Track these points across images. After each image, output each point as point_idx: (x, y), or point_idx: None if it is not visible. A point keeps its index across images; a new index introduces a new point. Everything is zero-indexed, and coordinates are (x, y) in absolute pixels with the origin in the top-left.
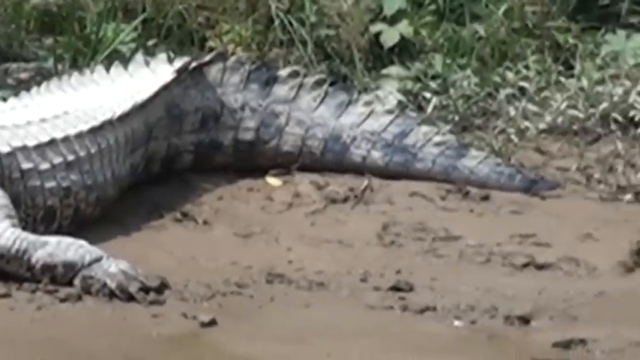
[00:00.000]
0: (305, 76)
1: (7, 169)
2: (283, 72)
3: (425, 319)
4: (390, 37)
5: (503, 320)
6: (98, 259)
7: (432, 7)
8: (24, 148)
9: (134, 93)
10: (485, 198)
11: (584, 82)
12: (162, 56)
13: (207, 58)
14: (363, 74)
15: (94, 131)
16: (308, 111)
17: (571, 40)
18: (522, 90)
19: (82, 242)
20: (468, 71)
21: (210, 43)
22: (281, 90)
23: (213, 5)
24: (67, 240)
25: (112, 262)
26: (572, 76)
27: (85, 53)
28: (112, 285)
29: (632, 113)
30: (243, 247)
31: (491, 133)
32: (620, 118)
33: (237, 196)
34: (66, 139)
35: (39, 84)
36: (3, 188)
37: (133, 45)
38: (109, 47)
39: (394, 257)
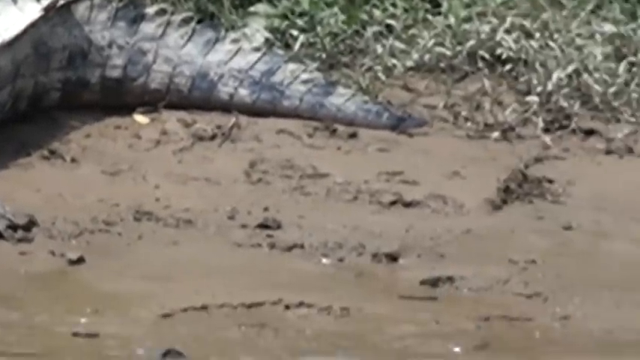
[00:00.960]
0: (172, 13)
1: None
2: (150, 10)
3: (292, 256)
4: None
5: (371, 258)
6: None
7: None
8: None
9: (1, 31)
10: (353, 135)
11: (452, 20)
12: None
13: None
14: (230, 12)
15: None
16: (175, 48)
17: None
18: (389, 27)
19: None
20: (335, 9)
21: None
22: (148, 27)
23: None
24: None
25: None
26: (439, 13)
27: None
28: None
29: (499, 51)
30: (110, 184)
31: (358, 71)
32: (487, 56)
33: (104, 134)
34: None
35: None
36: None
37: None
38: None
39: (262, 195)
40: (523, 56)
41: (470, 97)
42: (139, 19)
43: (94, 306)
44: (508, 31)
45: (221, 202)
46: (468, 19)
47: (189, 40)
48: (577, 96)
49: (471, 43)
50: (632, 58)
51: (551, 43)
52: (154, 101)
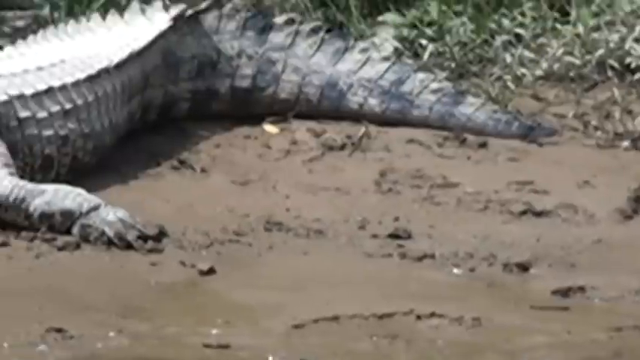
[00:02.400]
0: (301, 23)
1: (4, 118)
2: (279, 19)
3: (423, 266)
4: None
5: (502, 268)
6: (96, 207)
7: None
8: (21, 97)
9: (130, 41)
10: (483, 145)
11: (580, 29)
12: (158, 4)
13: (204, 5)
14: (359, 21)
15: (91, 79)
16: (304, 58)
17: None
18: (518, 37)
19: (80, 190)
20: (464, 18)
21: None
22: (277, 37)
23: None
24: (65, 188)
25: (110, 210)
26: (567, 22)
27: (80, 1)
28: (110, 233)
29: (628, 60)
30: (240, 194)
31: (487, 80)
32: (616, 65)
33: (234, 144)
34: (63, 88)
35: (35, 32)
36: (0, 137)
37: None
38: None
39: (392, 205)
40: None
41: (599, 106)
42: (267, 28)
43: (224, 317)
44: (637, 40)
45: (351, 212)
46: (596, 28)
47: (318, 49)
48: None
49: (600, 52)
50: None
51: None
52: (283, 111)
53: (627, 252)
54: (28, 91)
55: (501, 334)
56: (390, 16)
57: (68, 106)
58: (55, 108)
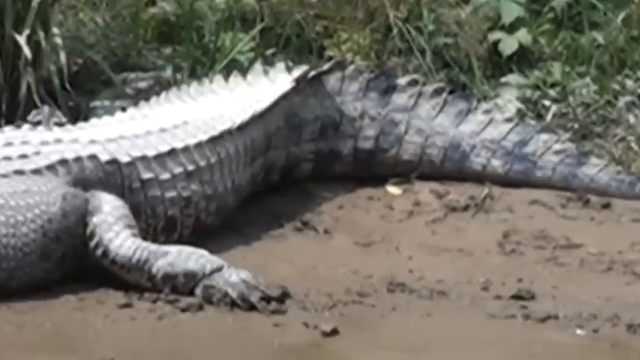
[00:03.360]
0: (424, 84)
1: (127, 179)
2: (402, 80)
3: (547, 327)
4: (509, 45)
5: (626, 329)
6: (219, 269)
7: (550, 15)
8: (144, 158)
9: (253, 102)
10: (606, 206)
11: None
12: (281, 65)
13: (326, 66)
14: (481, 82)
15: (213, 141)
16: (427, 119)
17: None
18: None
19: (203, 252)
20: (587, 79)
21: (329, 52)
22: (400, 98)
23: (331, 14)
24: (188, 249)
25: (233, 272)
26: None
27: (203, 63)
28: (234, 294)
29: None
30: (363, 256)
31: (611, 141)
32: None
33: (357, 205)
34: (186, 149)
35: (158, 94)
36: (123, 198)
37: (251, 54)
38: (228, 57)
39: (515, 266)
40: None
41: None
42: (390, 90)
43: None
44: None
45: (474, 274)
46: None
47: (441, 110)
48: None
49: None
50: None
51: None
52: (406, 172)
53: None
54: (151, 153)
55: None
56: (513, 78)
57: (191, 167)
58: (178, 170)
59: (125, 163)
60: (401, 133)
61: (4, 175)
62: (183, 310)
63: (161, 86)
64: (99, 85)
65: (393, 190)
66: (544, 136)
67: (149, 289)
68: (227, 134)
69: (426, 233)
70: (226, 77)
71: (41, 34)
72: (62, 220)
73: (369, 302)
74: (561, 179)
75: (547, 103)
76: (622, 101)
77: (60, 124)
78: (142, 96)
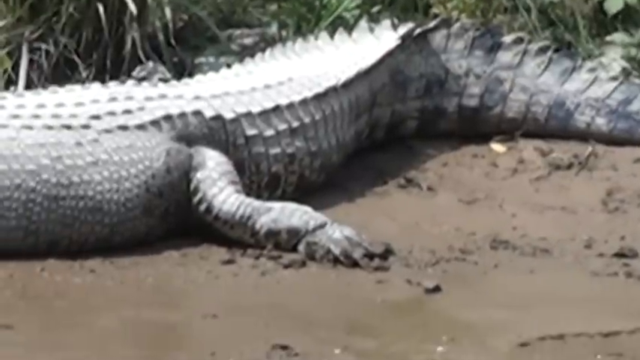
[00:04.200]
0: (529, 42)
1: (231, 136)
2: (507, 38)
3: None
4: (614, 4)
5: None
6: (322, 226)
7: None
8: (248, 115)
9: (358, 59)
10: None
11: None
12: (387, 23)
13: (432, 24)
14: (586, 41)
15: (318, 98)
16: (532, 77)
17: None
18: None
19: (306, 208)
20: None
21: (435, 10)
22: (505, 56)
23: None
24: (292, 206)
25: (336, 229)
26: None
27: (308, 19)
28: (337, 251)
29: None
30: (467, 213)
31: None
32: None
33: (461, 162)
34: (290, 106)
35: (263, 50)
36: (227, 154)
37: (356, 12)
38: (333, 14)
39: (618, 224)
40: None
41: None
42: (496, 47)
43: (450, 335)
44: None
45: (577, 231)
46: None
47: (546, 69)
48: None
49: None
50: None
51: None
52: (510, 130)
53: None
54: (256, 109)
55: None
56: (618, 36)
57: (295, 124)
58: (283, 126)
59: (229, 119)
60: (506, 90)
61: (108, 130)
62: (286, 267)
63: (266, 43)
64: (204, 42)
65: (497, 147)
66: None
67: (252, 245)
68: (332, 91)
69: (529, 191)
70: (332, 34)
71: None
72: (166, 176)
73: (472, 259)
74: None
75: None
76: None
77: (164, 80)
78: (246, 52)
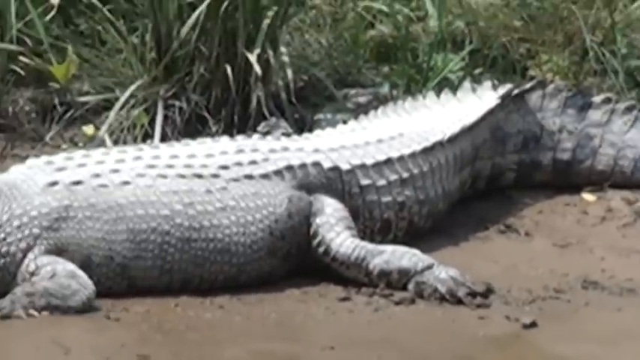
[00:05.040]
0: (617, 102)
1: (347, 185)
2: (597, 98)
3: None
4: None
5: None
6: (430, 267)
7: None
8: (363, 166)
9: (462, 117)
10: None
11: None
12: (488, 84)
13: (528, 85)
14: None
15: (426, 151)
16: (619, 134)
17: None
18: None
19: (415, 251)
20: None
21: (531, 72)
22: (595, 115)
23: (533, 37)
24: (402, 249)
25: (442, 269)
26: None
27: (417, 80)
28: (443, 290)
29: None
30: (560, 256)
31: None
32: None
33: (555, 210)
34: (401, 159)
35: (376, 108)
36: (343, 202)
37: (460, 73)
38: (439, 75)
39: None
40: None
41: None
42: (586, 106)
43: None
44: None
45: None
46: None
47: (632, 126)
48: None
49: None
50: None
51: None
52: (599, 181)
53: None
54: (369, 162)
55: None
56: None
57: (405, 175)
58: (394, 177)
59: (346, 170)
60: (595, 146)
61: (236, 179)
62: (397, 304)
63: (379, 101)
64: (322, 100)
65: (587, 197)
66: None
67: (366, 284)
68: (438, 145)
69: (617, 236)
70: (438, 94)
71: (270, 52)
72: (288, 221)
73: (565, 298)
74: None
75: None
76: None
77: (287, 135)
78: (361, 110)
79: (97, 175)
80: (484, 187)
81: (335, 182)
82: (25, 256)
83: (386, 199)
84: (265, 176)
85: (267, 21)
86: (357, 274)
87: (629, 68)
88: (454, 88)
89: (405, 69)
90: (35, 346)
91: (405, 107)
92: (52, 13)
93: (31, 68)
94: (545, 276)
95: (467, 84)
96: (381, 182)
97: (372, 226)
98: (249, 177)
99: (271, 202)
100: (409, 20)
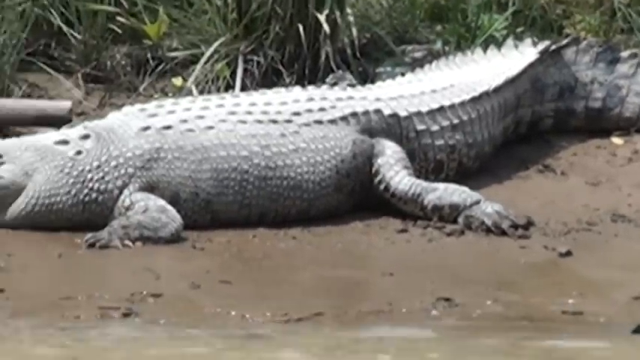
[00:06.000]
0: None
1: (404, 130)
2: (624, 53)
3: None
4: None
5: None
6: (477, 202)
7: None
8: (418, 113)
9: (506, 70)
10: None
11: None
12: (528, 41)
13: (564, 42)
14: None
15: (474, 100)
16: None
17: None
18: None
19: (464, 188)
20: None
21: (566, 30)
22: (623, 68)
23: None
24: (453, 186)
25: (488, 204)
26: None
27: (466, 38)
28: (489, 222)
29: None
30: (592, 193)
31: None
32: None
33: (587, 152)
34: (452, 107)
35: (430, 62)
36: (401, 145)
37: (504, 32)
38: (486, 33)
39: None
40: None
41: None
42: (615, 61)
43: (579, 290)
44: None
45: None
46: None
47: None
48: None
49: None
50: None
51: None
52: (626, 127)
53: None
54: (424, 109)
55: None
56: None
57: (456, 121)
58: (446, 123)
59: (403, 116)
60: (623, 95)
61: (307, 124)
62: (449, 235)
63: (432, 56)
64: (383, 55)
65: (616, 140)
66: None
67: (421, 217)
68: (485, 95)
69: None
70: (484, 50)
71: (337, 13)
72: (352, 161)
73: (596, 230)
74: None
75: None
76: None
77: (352, 85)
78: (417, 64)
79: (185, 121)
80: (525, 132)
81: (394, 127)
82: (120, 192)
83: (439, 142)
84: (333, 121)
85: None
86: (413, 208)
87: None
88: (499, 45)
89: (455, 28)
90: (130, 271)
91: (456, 61)
92: None
93: (127, 27)
94: (579, 210)
95: (510, 41)
96: (435, 127)
97: (426, 166)
98: (319, 122)
99: (338, 144)
100: None
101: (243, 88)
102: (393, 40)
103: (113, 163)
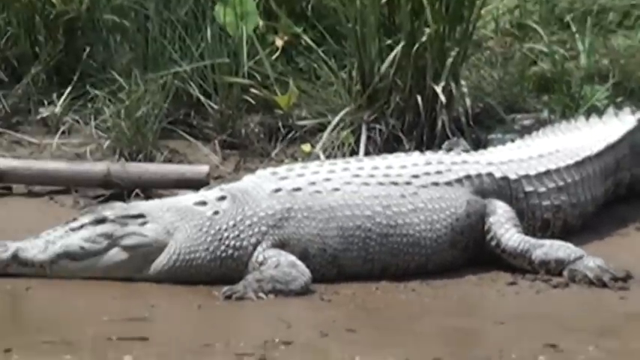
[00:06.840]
0: None
1: (514, 191)
2: None
3: None
4: None
5: None
6: (580, 257)
7: None
8: (527, 176)
9: (606, 136)
10: None
11: None
12: (627, 109)
13: None
14: None
15: (577, 164)
16: None
17: None
18: None
19: (569, 244)
20: None
21: None
22: None
23: None
24: (558, 242)
25: (590, 259)
26: None
27: (570, 107)
28: (591, 276)
29: None
30: None
31: None
32: None
33: None
34: (557, 170)
35: (537, 129)
36: (511, 205)
37: (605, 101)
38: (588, 103)
39: None
40: None
41: None
42: None
43: None
44: None
45: None
46: None
47: None
48: None
49: None
50: None
51: None
52: None
53: None
54: (532, 172)
55: None
56: None
57: (561, 183)
58: (552, 185)
59: (513, 179)
60: None
61: (424, 186)
62: (555, 287)
63: (540, 124)
64: (494, 123)
65: None
66: None
67: (529, 271)
68: (587, 159)
69: None
70: (587, 118)
71: (452, 84)
72: (466, 219)
73: None
74: None
75: None
76: None
77: (466, 151)
78: (525, 131)
79: (313, 183)
80: (624, 193)
81: (504, 189)
82: (254, 249)
83: (545, 202)
84: (448, 183)
85: (450, 59)
86: (522, 263)
87: None
88: (600, 113)
89: (560, 98)
90: (264, 321)
91: (561, 128)
92: (277, 53)
93: (260, 98)
94: None
95: (610, 110)
96: (542, 189)
97: (534, 224)
98: (435, 184)
99: (453, 204)
100: (564, 59)
101: (367, 154)
102: (503, 109)
103: (247, 222)
